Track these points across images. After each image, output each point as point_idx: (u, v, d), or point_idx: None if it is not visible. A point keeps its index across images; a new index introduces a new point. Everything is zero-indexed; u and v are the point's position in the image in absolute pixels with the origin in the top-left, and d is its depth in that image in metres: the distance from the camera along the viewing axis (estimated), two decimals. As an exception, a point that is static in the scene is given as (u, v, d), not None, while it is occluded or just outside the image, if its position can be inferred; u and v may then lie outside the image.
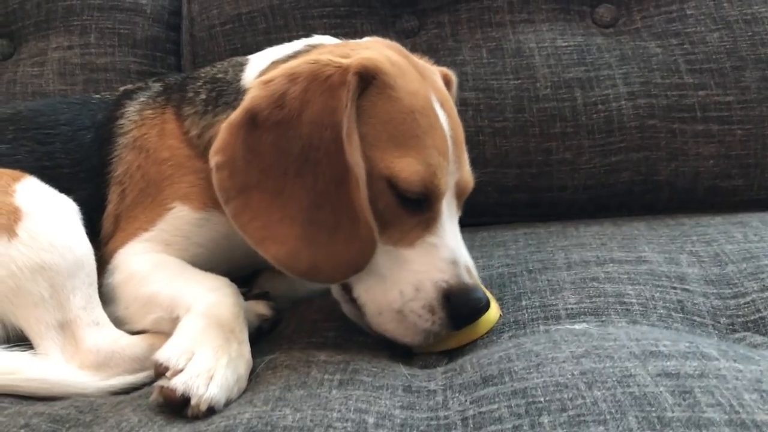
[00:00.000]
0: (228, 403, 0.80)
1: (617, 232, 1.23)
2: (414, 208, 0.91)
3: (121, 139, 1.10)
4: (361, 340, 0.96)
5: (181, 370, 0.80)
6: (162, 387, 0.79)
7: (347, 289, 0.94)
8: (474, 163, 1.36)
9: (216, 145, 0.90)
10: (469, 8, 1.45)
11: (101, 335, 0.96)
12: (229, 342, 0.86)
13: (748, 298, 0.98)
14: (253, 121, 0.89)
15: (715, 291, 1.01)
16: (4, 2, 1.56)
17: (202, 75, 1.13)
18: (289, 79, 0.89)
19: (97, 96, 1.22)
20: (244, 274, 1.14)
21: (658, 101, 1.35)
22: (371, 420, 0.72)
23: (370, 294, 0.91)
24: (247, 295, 1.08)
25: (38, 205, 0.98)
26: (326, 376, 0.82)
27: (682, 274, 1.04)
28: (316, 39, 1.08)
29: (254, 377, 0.86)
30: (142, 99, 1.15)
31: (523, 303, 0.99)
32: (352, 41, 1.03)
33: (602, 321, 0.93)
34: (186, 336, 0.85)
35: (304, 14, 1.45)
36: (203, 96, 1.08)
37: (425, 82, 0.96)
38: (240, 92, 1.03)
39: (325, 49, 0.98)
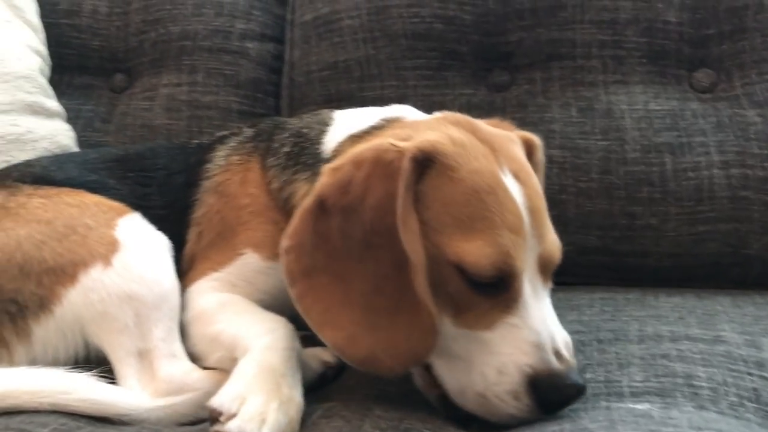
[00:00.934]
0: (281, 448, 0.83)
1: (698, 306, 1.19)
2: (489, 292, 0.87)
3: (206, 183, 1.17)
4: (419, 399, 0.97)
5: (235, 415, 0.83)
6: (218, 431, 0.82)
7: (428, 368, 0.91)
8: (554, 221, 1.35)
9: (288, 230, 0.92)
10: (561, 66, 1.44)
11: (176, 367, 1.01)
12: (279, 387, 0.88)
13: (832, 393, 0.93)
14: (321, 207, 0.90)
15: (796, 382, 0.96)
16: (125, 40, 1.68)
17: (290, 126, 1.18)
18: (354, 165, 0.90)
19: (196, 141, 1.30)
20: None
21: (754, 172, 1.31)
22: (413, 484, 0.73)
23: (452, 373, 0.89)
24: (309, 340, 1.12)
25: (135, 239, 1.05)
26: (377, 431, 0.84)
27: (762, 360, 0.99)
28: (394, 111, 1.10)
29: (310, 423, 0.89)
30: (231, 144, 1.21)
31: (588, 376, 0.97)
32: (421, 120, 1.02)
33: (667, 403, 0.90)
34: (239, 381, 0.88)
35: (398, 65, 1.49)
36: (287, 149, 1.13)
37: (494, 156, 0.92)
38: (319, 158, 1.07)
39: (393, 130, 0.99)
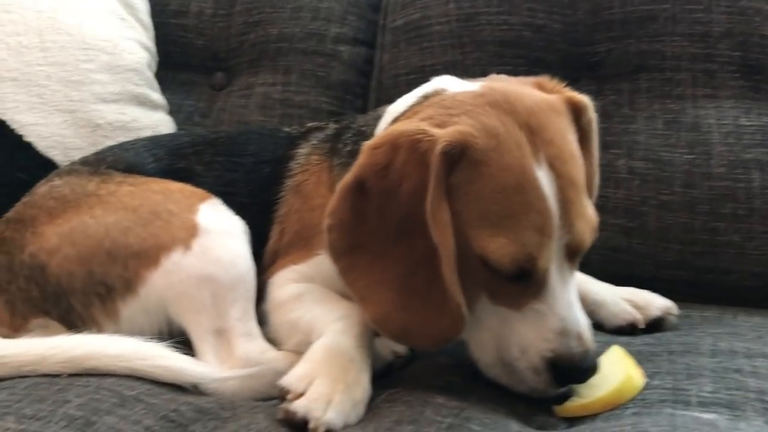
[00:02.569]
0: (345, 427, 0.86)
1: (778, 326, 1.16)
2: (515, 282, 0.91)
3: (288, 182, 1.21)
4: (484, 391, 0.98)
5: (302, 394, 0.88)
6: (285, 409, 0.87)
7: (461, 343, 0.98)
8: (634, 233, 1.35)
9: (329, 207, 0.95)
10: (650, 78, 1.43)
11: (252, 346, 1.07)
12: (347, 370, 0.92)
13: None
14: (360, 187, 0.93)
15: None
16: (226, 40, 1.78)
17: (353, 126, 1.21)
18: (392, 148, 0.92)
19: (287, 129, 1.33)
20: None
21: None
22: (468, 466, 0.75)
23: (481, 349, 0.96)
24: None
25: (214, 224, 1.11)
26: (437, 418, 0.86)
27: (841, 382, 0.96)
28: (434, 84, 1.08)
29: (373, 407, 0.92)
30: (313, 142, 1.24)
31: (656, 383, 0.97)
32: (459, 96, 0.98)
33: (736, 416, 0.88)
34: (309, 362, 0.93)
35: (484, 71, 1.49)
36: (349, 147, 1.15)
37: (530, 144, 0.91)
38: None
39: (431, 108, 0.98)
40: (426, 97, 1.05)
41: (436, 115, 0.96)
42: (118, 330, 1.06)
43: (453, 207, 0.90)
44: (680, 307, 1.27)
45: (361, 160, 0.94)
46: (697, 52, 1.41)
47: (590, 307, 1.19)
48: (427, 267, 0.89)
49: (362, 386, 0.93)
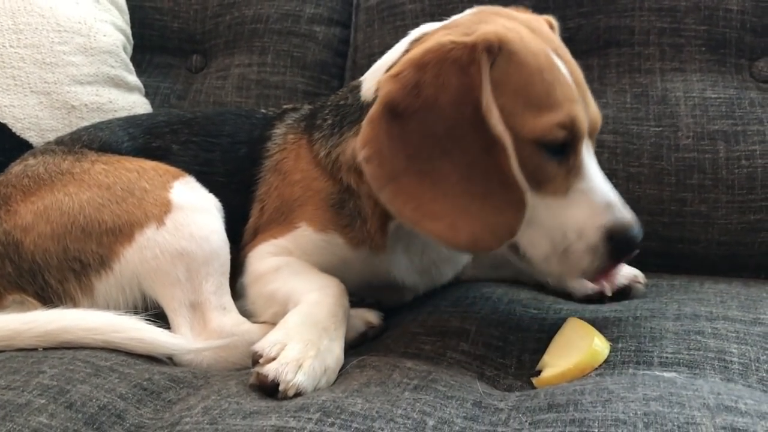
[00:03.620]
0: (315, 391, 0.88)
1: (743, 293, 1.18)
2: (560, 158, 0.97)
3: (267, 162, 1.22)
4: (454, 357, 1.01)
5: (274, 359, 0.89)
6: (257, 373, 0.89)
7: (514, 248, 1.02)
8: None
9: (360, 139, 0.98)
10: (619, 53, 1.45)
11: (226, 319, 1.08)
12: (320, 337, 0.94)
13: None
14: (392, 112, 0.96)
15: (831, 363, 0.95)
16: (202, 23, 1.78)
17: (328, 103, 1.22)
18: (417, 68, 0.95)
19: (263, 111, 1.34)
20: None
21: (810, 162, 1.29)
22: (431, 422, 0.78)
23: (535, 247, 1.00)
24: (358, 303, 1.17)
25: (188, 201, 1.12)
26: (405, 380, 0.89)
27: (799, 342, 0.99)
28: (416, 32, 1.11)
29: (344, 373, 0.94)
30: (288, 122, 1.25)
31: (620, 345, 0.99)
32: (457, 18, 1.07)
33: (695, 374, 0.91)
34: (282, 329, 0.95)
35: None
36: (329, 121, 1.17)
37: (539, 38, 1.01)
38: (362, 108, 1.10)
39: (440, 32, 1.03)
40: (416, 41, 1.08)
41: (455, 31, 1.00)
42: (93, 305, 1.08)
43: (497, 102, 0.95)
44: (650, 277, 1.30)
45: (385, 89, 0.97)
46: (665, 27, 1.42)
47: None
48: (483, 166, 0.94)
49: (334, 354, 0.95)
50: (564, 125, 0.96)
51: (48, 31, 1.46)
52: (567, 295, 1.23)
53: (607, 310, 1.14)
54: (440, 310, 1.16)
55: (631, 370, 0.93)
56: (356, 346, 1.09)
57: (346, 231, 1.13)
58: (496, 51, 0.95)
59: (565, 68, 1.00)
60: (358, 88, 1.16)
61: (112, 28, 1.59)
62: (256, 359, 0.91)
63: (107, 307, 1.08)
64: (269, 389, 0.87)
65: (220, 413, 0.81)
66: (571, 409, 0.78)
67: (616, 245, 0.96)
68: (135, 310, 1.08)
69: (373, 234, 1.12)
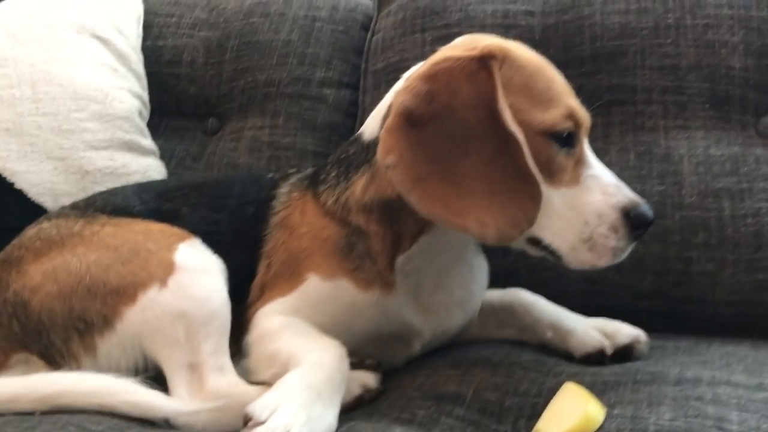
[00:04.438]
0: (300, 458, 0.88)
1: (750, 355, 1.15)
2: (568, 149, 1.07)
3: (273, 219, 1.24)
4: (447, 423, 1.00)
5: (263, 423, 0.90)
6: None
7: (535, 242, 1.09)
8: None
9: (381, 148, 1.03)
10: (622, 111, 1.46)
11: (223, 380, 1.09)
12: (314, 403, 0.94)
13: None
14: (409, 120, 1.02)
15: (834, 432, 0.92)
16: (218, 87, 1.83)
17: (329, 161, 1.26)
18: (427, 80, 1.04)
19: (270, 175, 1.37)
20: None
21: (817, 219, 1.26)
22: (408, 494, 0.77)
23: (559, 237, 1.06)
24: (359, 365, 1.17)
25: (191, 262, 1.14)
26: (392, 446, 0.88)
27: (803, 409, 0.96)
28: (405, 76, 1.18)
29: (334, 439, 0.94)
30: (292, 181, 1.29)
31: (616, 411, 0.97)
32: (447, 47, 1.15)
33: (689, 442, 0.89)
34: (275, 392, 0.95)
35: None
36: (334, 174, 1.21)
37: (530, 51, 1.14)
38: (368, 147, 1.15)
39: (444, 51, 1.12)
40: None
41: (458, 48, 1.10)
42: (96, 364, 1.10)
43: (507, 101, 1.03)
44: (656, 338, 1.28)
45: (397, 102, 1.05)
46: (667, 85, 1.43)
47: (561, 336, 1.22)
48: (500, 162, 1.01)
49: (326, 421, 0.95)
50: (568, 116, 1.06)
51: (65, 99, 1.52)
52: (569, 357, 1.21)
53: (607, 372, 1.11)
54: (438, 373, 1.15)
55: (628, 438, 0.91)
56: (351, 410, 1.09)
57: (355, 274, 1.15)
58: (501, 58, 1.05)
59: (557, 74, 1.12)
60: (358, 138, 1.21)
61: (128, 95, 1.65)
62: (246, 421, 0.92)
63: (109, 367, 1.09)
64: None
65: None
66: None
67: (634, 220, 1.04)
68: (137, 371, 1.10)
69: (382, 270, 1.14)
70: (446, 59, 1.05)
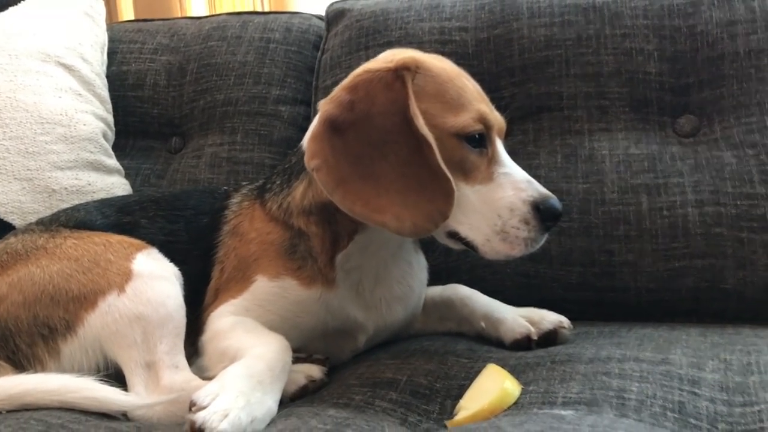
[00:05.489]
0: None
1: (664, 336, 1.25)
2: (480, 147, 1.15)
3: (225, 227, 1.34)
4: (381, 405, 1.08)
5: (205, 407, 0.98)
6: (189, 419, 0.97)
7: (453, 235, 1.17)
8: (540, 259, 1.46)
9: (307, 153, 1.14)
10: (551, 117, 1.56)
11: (177, 376, 1.17)
12: (253, 389, 1.02)
13: (756, 408, 0.97)
14: (332, 127, 1.13)
15: (726, 398, 1.01)
16: (179, 108, 1.93)
17: (275, 173, 1.36)
18: (349, 90, 1.15)
19: (225, 188, 1.47)
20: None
21: (727, 210, 1.36)
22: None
23: (474, 230, 1.14)
24: (306, 359, 1.27)
25: (147, 269, 1.22)
26: (318, 426, 0.96)
27: (699, 379, 1.05)
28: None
29: (270, 422, 1.02)
30: (243, 192, 1.38)
31: (531, 388, 1.06)
32: (375, 60, 1.25)
33: (591, 410, 0.97)
34: (219, 381, 1.03)
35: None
36: (278, 182, 1.31)
37: (445, 62, 1.23)
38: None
39: (366, 65, 1.22)
40: None
41: (378, 60, 1.21)
42: (60, 367, 1.17)
43: (420, 108, 1.13)
44: (584, 325, 1.37)
45: (322, 110, 1.16)
46: (591, 91, 1.53)
47: (493, 325, 1.31)
48: (414, 162, 1.11)
49: (265, 406, 1.03)
50: (478, 119, 1.15)
51: (31, 123, 1.61)
52: (500, 344, 1.30)
53: (531, 356, 1.21)
54: (379, 363, 1.24)
55: (535, 410, 1.00)
56: (297, 399, 1.17)
57: (299, 273, 1.24)
58: (414, 69, 1.15)
59: (469, 82, 1.20)
60: (299, 148, 1.30)
61: (92, 118, 1.74)
62: (191, 407, 1.00)
63: (72, 369, 1.17)
64: None
65: (144, 459, 0.89)
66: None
67: (543, 213, 1.12)
68: (98, 372, 1.17)
69: (323, 268, 1.23)
70: (366, 71, 1.16)
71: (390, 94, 1.12)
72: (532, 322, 1.29)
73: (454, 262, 1.52)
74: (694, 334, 1.26)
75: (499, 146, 1.19)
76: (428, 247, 1.43)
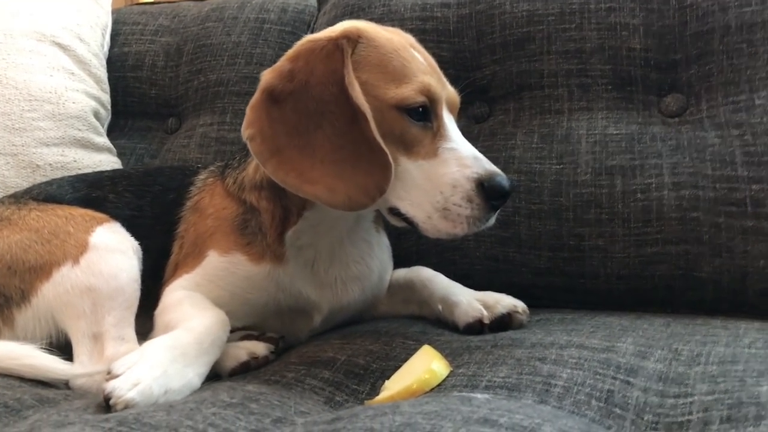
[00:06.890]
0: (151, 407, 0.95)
1: (625, 324, 1.18)
2: (423, 121, 1.11)
3: (188, 203, 1.34)
4: (311, 383, 1.06)
5: (118, 376, 0.98)
6: (101, 388, 0.97)
7: (395, 212, 1.13)
8: (509, 243, 1.41)
9: (244, 123, 1.12)
10: (531, 96, 1.49)
11: (122, 348, 1.17)
12: (173, 361, 1.02)
13: (689, 399, 0.91)
14: (270, 96, 1.11)
15: (661, 388, 0.94)
16: (175, 88, 1.95)
17: (239, 149, 1.35)
18: (290, 60, 1.12)
19: (198, 165, 1.46)
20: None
21: (705, 193, 1.27)
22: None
23: (415, 207, 1.10)
24: (259, 336, 1.25)
25: (104, 242, 1.24)
26: (226, 398, 0.94)
27: (638, 368, 0.99)
28: None
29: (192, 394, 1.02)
30: (210, 169, 1.38)
31: (460, 371, 1.02)
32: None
33: (511, 395, 0.93)
34: (140, 350, 1.03)
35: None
36: (238, 158, 1.31)
37: (396, 34, 1.19)
38: None
39: (311, 35, 1.20)
40: None
41: (322, 32, 1.18)
42: (14, 335, 1.20)
43: (359, 79, 1.10)
44: (551, 312, 1.31)
45: (263, 79, 1.14)
46: (572, 68, 1.46)
47: (449, 308, 1.27)
48: (351, 134, 1.07)
49: (185, 379, 1.02)
50: (421, 91, 1.10)
51: (20, 100, 1.65)
52: (455, 328, 1.26)
53: (477, 339, 1.16)
54: (326, 343, 1.22)
55: (455, 393, 0.95)
56: (236, 375, 1.16)
57: (248, 248, 1.23)
58: (355, 38, 1.12)
59: (420, 56, 1.16)
60: None
61: (83, 96, 1.77)
62: (107, 375, 1.00)
63: (26, 338, 1.19)
64: (105, 403, 0.95)
65: (42, 424, 0.89)
66: (345, 421, 0.82)
67: (489, 191, 1.06)
68: (51, 343, 1.20)
69: (272, 244, 1.22)
70: (309, 41, 1.13)
71: (329, 63, 1.09)
72: (486, 306, 1.24)
73: (424, 245, 1.47)
74: (658, 324, 1.19)
75: (448, 121, 1.14)
76: (398, 229, 1.39)
